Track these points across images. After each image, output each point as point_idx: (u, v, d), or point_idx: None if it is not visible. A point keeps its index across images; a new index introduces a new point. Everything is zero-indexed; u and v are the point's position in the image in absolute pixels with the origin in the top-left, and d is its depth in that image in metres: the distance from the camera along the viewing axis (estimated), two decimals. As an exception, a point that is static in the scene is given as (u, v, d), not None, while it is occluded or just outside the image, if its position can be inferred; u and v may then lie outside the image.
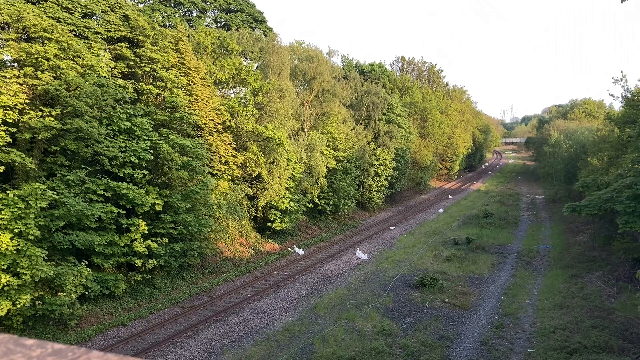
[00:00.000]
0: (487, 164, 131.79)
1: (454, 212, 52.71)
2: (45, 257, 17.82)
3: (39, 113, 19.39)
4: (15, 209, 17.01)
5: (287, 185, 34.61)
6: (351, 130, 46.44)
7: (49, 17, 22.02)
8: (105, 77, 22.52)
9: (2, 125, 18.19)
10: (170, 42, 27.37)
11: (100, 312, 20.90)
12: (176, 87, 26.29)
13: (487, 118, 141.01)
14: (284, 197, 34.08)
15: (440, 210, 54.85)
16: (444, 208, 56.26)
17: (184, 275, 25.87)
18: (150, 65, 25.53)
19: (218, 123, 29.01)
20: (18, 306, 17.04)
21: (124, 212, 22.11)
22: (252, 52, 38.58)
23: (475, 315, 21.84)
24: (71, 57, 21.31)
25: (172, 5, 45.66)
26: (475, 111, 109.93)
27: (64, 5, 23.69)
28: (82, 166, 20.82)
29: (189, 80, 27.74)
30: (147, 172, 22.79)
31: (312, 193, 39.76)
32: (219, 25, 49.03)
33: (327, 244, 36.82)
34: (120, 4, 26.46)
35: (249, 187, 33.03)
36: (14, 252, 16.84)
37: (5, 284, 16.71)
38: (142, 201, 21.91)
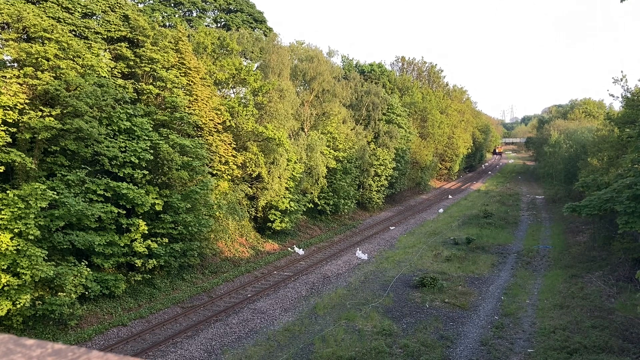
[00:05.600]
0: (487, 164, 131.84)
1: (454, 212, 52.71)
2: (45, 257, 17.82)
3: (39, 113, 19.39)
4: (15, 209, 17.01)
5: (287, 185, 34.61)
6: (351, 130, 46.44)
7: (49, 17, 22.01)
8: (105, 77, 22.51)
9: (2, 125, 18.19)
10: (170, 42, 27.36)
11: (100, 312, 20.90)
12: (176, 87, 26.28)
13: (487, 118, 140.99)
14: (284, 197, 34.08)
15: (440, 210, 54.85)
16: (444, 208, 56.26)
17: (184, 275, 25.86)
18: (150, 65, 25.52)
19: (218, 123, 29.00)
20: (18, 306, 17.04)
21: (124, 212, 22.11)
22: (252, 52, 38.57)
23: (475, 315, 21.84)
24: (71, 57, 21.30)
25: (172, 5, 45.65)
26: (475, 111, 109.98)
27: (64, 5, 23.68)
28: (82, 166, 20.82)
29: (189, 80, 27.73)
30: (147, 172, 22.79)
31: (312, 193, 39.76)
32: (219, 25, 49.03)
33: (327, 244, 36.82)
34: (120, 4, 26.45)
35: (249, 187, 33.03)
36: (14, 252, 16.83)
37: (5, 284, 16.71)
38: (142, 201, 21.91)
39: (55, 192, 18.43)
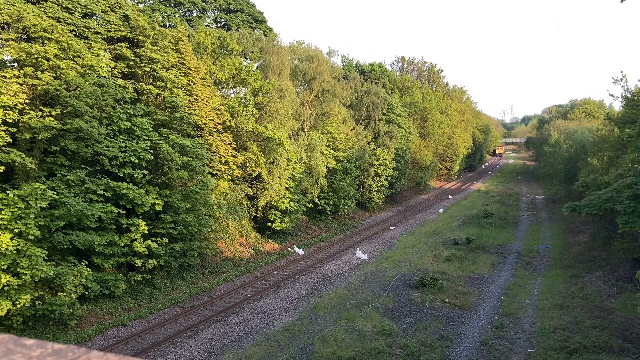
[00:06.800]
0: (487, 164, 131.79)
1: (454, 212, 52.70)
2: (45, 257, 17.82)
3: (39, 113, 19.39)
4: (15, 209, 17.01)
5: (287, 185, 34.61)
6: (351, 130, 46.44)
7: (49, 17, 22.01)
8: (105, 77, 22.51)
9: (2, 125, 18.19)
10: (170, 42, 27.37)
11: (100, 312, 20.90)
12: (176, 87, 26.28)
13: (487, 118, 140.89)
14: (284, 197, 34.08)
15: (440, 210, 54.86)
16: (444, 208, 56.26)
17: (184, 275, 25.86)
18: (150, 65, 25.52)
19: (218, 123, 29.01)
20: (18, 306, 17.04)
21: (124, 212, 22.11)
22: (252, 52, 38.57)
23: (475, 315, 21.84)
24: (71, 57, 21.30)
25: (172, 5, 45.65)
26: (475, 111, 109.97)
27: (64, 5, 23.68)
28: (82, 166, 20.82)
29: (189, 80, 27.73)
30: (147, 172, 22.79)
31: (312, 193, 39.76)
32: (219, 25, 49.03)
33: (327, 244, 36.82)
34: (120, 4, 26.45)
35: (249, 187, 33.03)
36: (14, 252, 16.83)
37: (5, 284, 16.71)
38: (142, 201, 21.91)
39: (55, 192, 18.43)
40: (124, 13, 26.17)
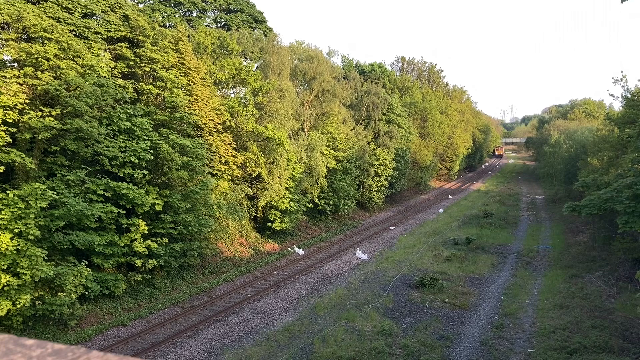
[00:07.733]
0: (487, 164, 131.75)
1: (454, 212, 52.71)
2: (45, 257, 17.83)
3: (39, 113, 19.40)
4: (15, 209, 17.01)
5: (287, 185, 34.61)
6: (351, 130, 46.45)
7: (49, 17, 22.02)
8: (105, 77, 22.52)
9: (2, 125, 18.20)
10: (170, 42, 27.37)
11: (100, 312, 20.90)
12: (176, 87, 26.28)
13: (487, 118, 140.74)
14: (284, 197, 34.08)
15: (440, 210, 54.86)
16: (444, 208, 56.26)
17: (184, 275, 25.86)
18: (150, 65, 25.52)
19: (218, 123, 29.02)
20: (18, 306, 17.04)
21: (124, 212, 22.10)
22: (252, 52, 38.56)
23: (475, 315, 21.84)
24: (71, 57, 21.31)
25: (172, 5, 45.64)
26: (475, 111, 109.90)
27: (64, 5, 23.69)
28: (82, 166, 20.82)
29: (189, 80, 27.74)
30: (147, 172, 22.79)
31: (312, 193, 39.76)
32: (219, 25, 49.02)
33: (327, 244, 36.81)
34: (120, 4, 26.46)
35: (249, 187, 33.03)
36: (14, 252, 16.84)
37: (5, 284, 16.71)
38: (142, 201, 21.91)
39: (55, 192, 18.43)
40: (124, 13, 26.18)
